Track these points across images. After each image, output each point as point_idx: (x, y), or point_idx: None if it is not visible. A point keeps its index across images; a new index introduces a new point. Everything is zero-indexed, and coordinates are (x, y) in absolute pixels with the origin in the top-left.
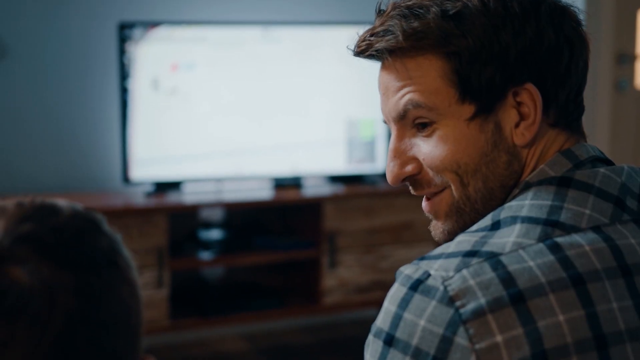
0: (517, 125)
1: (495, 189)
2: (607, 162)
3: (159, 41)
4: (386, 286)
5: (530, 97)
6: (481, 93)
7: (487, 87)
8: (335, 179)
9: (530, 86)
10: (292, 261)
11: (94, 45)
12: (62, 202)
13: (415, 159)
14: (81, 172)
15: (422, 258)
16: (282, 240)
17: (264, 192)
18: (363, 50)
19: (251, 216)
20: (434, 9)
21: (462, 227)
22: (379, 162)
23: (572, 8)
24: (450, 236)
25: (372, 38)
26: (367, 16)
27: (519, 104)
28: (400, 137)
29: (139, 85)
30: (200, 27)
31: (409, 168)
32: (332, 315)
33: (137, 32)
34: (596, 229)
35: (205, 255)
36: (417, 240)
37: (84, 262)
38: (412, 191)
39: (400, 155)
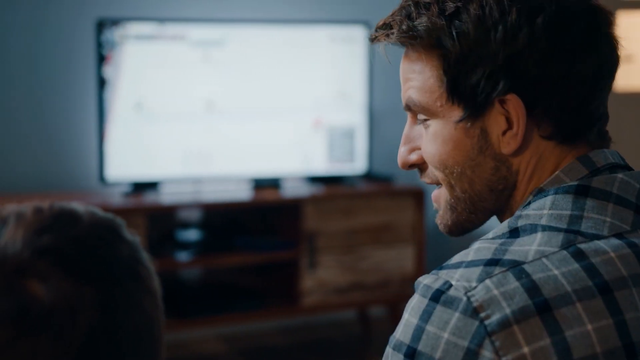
0: (504, 133)
1: (483, 192)
2: (628, 169)
3: (137, 39)
4: (365, 287)
5: (514, 107)
6: (467, 97)
7: (473, 93)
8: (314, 180)
9: (512, 97)
10: (271, 262)
11: (72, 43)
12: (80, 207)
13: (420, 149)
14: (57, 171)
15: (441, 267)
16: (261, 241)
17: (243, 193)
18: (372, 40)
19: (230, 217)
20: (433, 7)
21: (461, 222)
22: (358, 162)
23: (589, 15)
24: (450, 228)
25: (379, 30)
26: (348, 15)
27: (508, 111)
28: (411, 124)
29: (116, 83)
30: (179, 25)
31: (414, 157)
32: (311, 317)
33: (115, 29)
34: (618, 235)
35: (184, 256)
36: (397, 241)
37: (105, 276)
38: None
39: (409, 142)
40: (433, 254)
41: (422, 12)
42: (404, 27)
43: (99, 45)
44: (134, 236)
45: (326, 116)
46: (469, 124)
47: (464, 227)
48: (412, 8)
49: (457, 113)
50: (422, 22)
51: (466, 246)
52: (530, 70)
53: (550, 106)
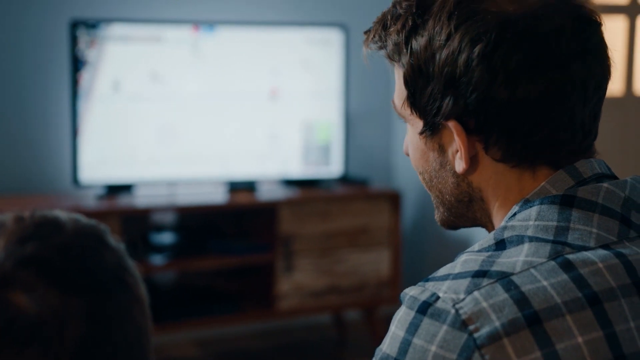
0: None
1: (452, 201)
2: (614, 179)
3: (111, 40)
4: (341, 290)
5: (456, 132)
6: (423, 113)
7: (425, 110)
8: (290, 183)
9: (452, 123)
10: (247, 265)
11: (45, 43)
12: (63, 214)
13: None
14: (30, 173)
15: (427, 279)
16: (236, 245)
17: (218, 196)
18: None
19: (205, 220)
20: (401, 20)
21: (445, 220)
22: (334, 166)
23: (536, 39)
24: (441, 224)
25: (365, 34)
26: (325, 18)
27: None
28: None
29: (90, 85)
30: (155, 27)
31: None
32: (287, 320)
33: (89, 30)
34: (605, 246)
35: (158, 260)
36: (373, 244)
37: (93, 285)
38: None
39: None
40: (409, 257)
41: (393, 23)
42: (376, 36)
43: (73, 45)
44: (119, 243)
45: (302, 119)
46: (428, 138)
47: (453, 225)
48: (388, 17)
49: (420, 124)
50: (390, 33)
51: (443, 252)
52: (469, 96)
53: (494, 132)
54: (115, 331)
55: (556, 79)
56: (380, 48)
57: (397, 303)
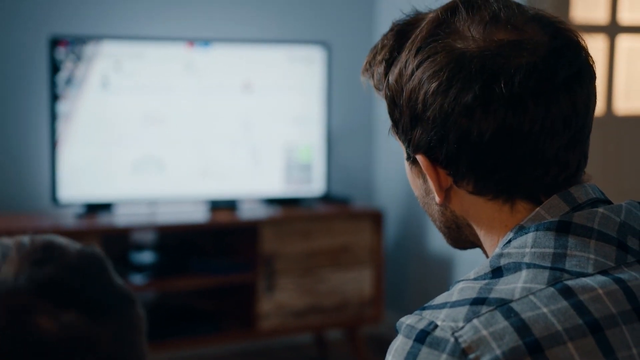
0: None
1: (442, 228)
2: (608, 203)
3: (91, 56)
4: (323, 310)
5: (423, 166)
6: (402, 142)
7: (403, 140)
8: (271, 202)
9: (420, 157)
10: (228, 285)
11: (24, 60)
12: (60, 239)
13: None
14: (8, 191)
15: (424, 307)
16: (217, 264)
17: (199, 215)
18: None
19: (186, 239)
20: (385, 51)
21: (448, 241)
22: (316, 184)
23: (490, 73)
24: (450, 245)
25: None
26: (307, 35)
27: None
28: None
29: (70, 102)
30: (134, 43)
31: None
32: (268, 340)
33: (69, 47)
34: (603, 272)
35: (138, 279)
36: (355, 263)
37: (111, 307)
38: None
39: None
40: (391, 276)
41: (379, 53)
42: (367, 64)
43: (52, 62)
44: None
45: (284, 137)
46: (412, 165)
47: (458, 247)
48: (379, 46)
49: (406, 152)
50: (376, 64)
51: (425, 271)
52: (430, 132)
53: (461, 166)
54: (127, 352)
55: (509, 118)
56: (370, 77)
57: (379, 322)
